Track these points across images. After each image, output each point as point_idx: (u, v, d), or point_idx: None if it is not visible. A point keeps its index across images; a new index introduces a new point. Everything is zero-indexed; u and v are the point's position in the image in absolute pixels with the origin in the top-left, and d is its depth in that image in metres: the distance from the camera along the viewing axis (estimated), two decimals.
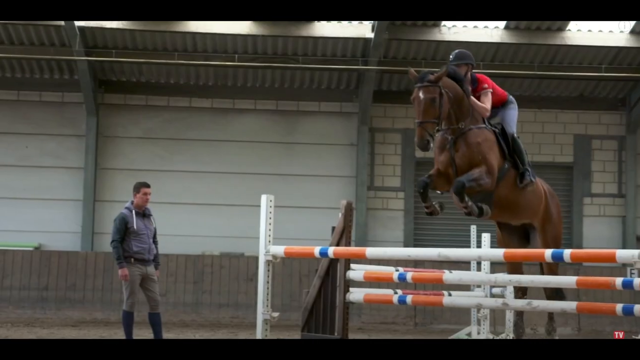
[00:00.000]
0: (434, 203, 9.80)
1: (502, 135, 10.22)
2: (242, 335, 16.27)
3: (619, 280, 8.18)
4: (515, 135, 10.37)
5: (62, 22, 19.76)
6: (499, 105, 10.67)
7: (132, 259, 12.27)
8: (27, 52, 21.07)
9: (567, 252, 8.22)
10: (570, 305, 9.10)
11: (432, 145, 9.50)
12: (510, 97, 10.85)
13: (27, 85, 22.20)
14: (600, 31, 20.77)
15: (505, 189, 10.09)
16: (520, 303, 9.58)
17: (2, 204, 21.79)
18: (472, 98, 10.10)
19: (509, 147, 10.18)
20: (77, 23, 19.97)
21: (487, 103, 10.28)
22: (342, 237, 10.70)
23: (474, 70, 10.66)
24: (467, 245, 15.10)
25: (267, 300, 10.48)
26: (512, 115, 10.66)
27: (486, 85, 10.40)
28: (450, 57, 10.62)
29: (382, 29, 19.94)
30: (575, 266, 19.35)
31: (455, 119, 9.79)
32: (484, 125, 9.97)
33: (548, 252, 8.24)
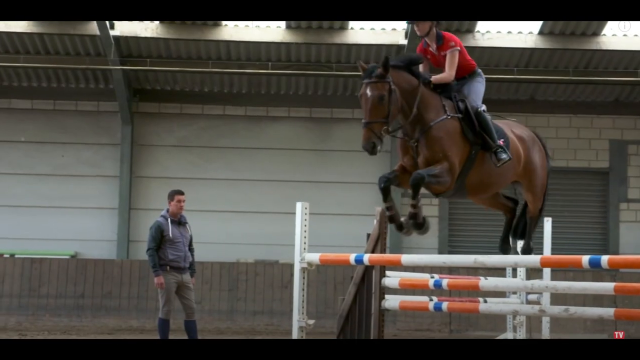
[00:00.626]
0: (405, 224, 9.19)
1: (467, 116, 9.32)
2: None
3: None
4: (480, 109, 9.44)
5: (97, 32, 19.90)
6: (466, 74, 9.77)
7: (168, 267, 12.36)
8: (62, 61, 21.24)
9: (604, 259, 8.15)
10: (607, 311, 9.04)
11: (379, 148, 8.73)
12: (479, 69, 9.92)
13: (63, 94, 22.35)
14: (636, 35, 20.61)
15: (476, 174, 9.38)
16: (557, 310, 9.51)
17: (39, 212, 21.94)
18: (434, 77, 9.35)
19: (475, 128, 9.28)
20: (112, 32, 20.11)
21: (452, 66, 9.46)
22: (377, 244, 10.71)
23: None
24: None
25: (303, 307, 10.49)
26: (479, 89, 9.75)
27: (453, 43, 9.52)
28: None
29: (416, 35, 19.85)
30: (612, 272, 19.21)
31: (409, 111, 9.03)
32: (444, 116, 9.09)
33: (585, 259, 8.17)
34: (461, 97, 9.45)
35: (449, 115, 9.14)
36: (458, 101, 9.36)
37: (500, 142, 9.32)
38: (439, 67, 9.60)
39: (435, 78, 9.34)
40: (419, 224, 9.13)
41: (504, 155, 9.21)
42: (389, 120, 8.80)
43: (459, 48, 9.48)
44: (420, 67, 9.61)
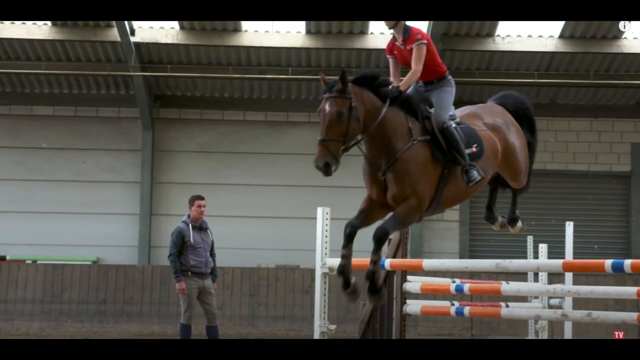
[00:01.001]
0: (354, 282, 8.24)
1: (435, 136, 8.58)
2: None
3: None
4: (447, 124, 8.63)
5: (118, 38, 19.99)
6: (434, 78, 8.99)
7: (190, 273, 12.38)
8: (83, 68, 21.35)
9: (627, 263, 8.15)
10: (630, 316, 9.00)
11: (334, 168, 8.05)
12: (449, 75, 9.10)
13: (84, 101, 22.45)
14: None
15: (451, 190, 8.73)
16: (580, 314, 9.47)
17: (60, 218, 22.03)
18: (402, 84, 8.63)
19: (442, 147, 8.56)
20: (133, 39, 20.19)
21: (419, 60, 8.69)
22: (398, 249, 10.70)
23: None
24: (523, 255, 14.99)
25: (324, 312, 10.50)
26: (447, 99, 8.92)
27: (419, 37, 8.72)
28: None
29: (436, 39, 19.86)
30: (635, 276, 19.12)
31: (371, 133, 8.41)
32: (410, 143, 8.37)
33: (608, 263, 8.15)
34: (427, 113, 8.70)
35: (415, 140, 8.45)
36: (424, 119, 8.64)
37: (473, 149, 8.72)
38: (406, 66, 8.97)
39: (403, 84, 8.68)
40: (374, 288, 8.34)
41: (474, 175, 8.56)
42: (347, 139, 8.15)
43: (425, 42, 8.75)
44: (391, 67, 9.11)
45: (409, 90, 8.75)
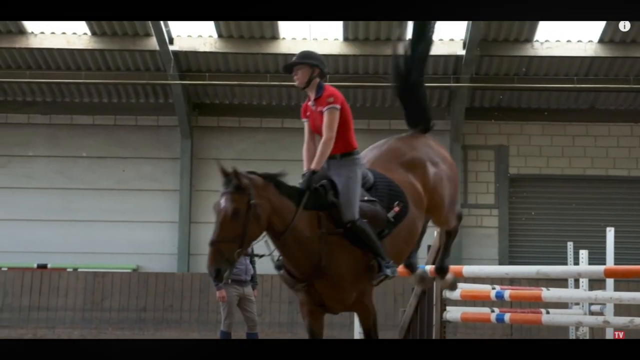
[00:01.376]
0: None
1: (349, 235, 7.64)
2: None
3: None
4: (356, 221, 7.59)
5: (157, 47, 20.13)
6: (339, 153, 7.99)
7: (229, 280, 12.41)
8: (123, 77, 21.50)
9: None
10: None
11: (227, 274, 7.20)
12: (358, 156, 8.09)
13: (124, 110, 22.62)
14: None
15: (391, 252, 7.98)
16: (622, 321, 9.40)
17: (100, 226, 22.18)
18: (314, 165, 7.96)
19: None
20: (171, 47, 20.33)
21: (330, 127, 7.83)
22: (438, 255, 10.67)
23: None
24: (563, 261, 14.89)
25: None
26: (354, 191, 7.78)
27: (332, 99, 7.82)
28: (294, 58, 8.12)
29: (474, 45, 19.83)
30: None
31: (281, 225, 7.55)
32: (322, 234, 7.57)
33: None
34: (336, 210, 7.71)
35: (327, 234, 7.60)
36: (332, 211, 7.72)
37: (396, 209, 7.87)
38: (316, 132, 8.19)
39: (316, 162, 7.96)
40: None
41: (387, 273, 7.65)
42: (243, 241, 7.33)
43: (338, 107, 7.82)
44: (305, 133, 8.35)
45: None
